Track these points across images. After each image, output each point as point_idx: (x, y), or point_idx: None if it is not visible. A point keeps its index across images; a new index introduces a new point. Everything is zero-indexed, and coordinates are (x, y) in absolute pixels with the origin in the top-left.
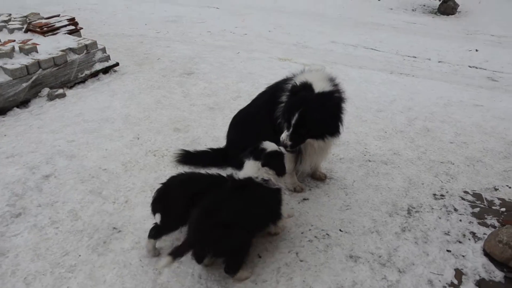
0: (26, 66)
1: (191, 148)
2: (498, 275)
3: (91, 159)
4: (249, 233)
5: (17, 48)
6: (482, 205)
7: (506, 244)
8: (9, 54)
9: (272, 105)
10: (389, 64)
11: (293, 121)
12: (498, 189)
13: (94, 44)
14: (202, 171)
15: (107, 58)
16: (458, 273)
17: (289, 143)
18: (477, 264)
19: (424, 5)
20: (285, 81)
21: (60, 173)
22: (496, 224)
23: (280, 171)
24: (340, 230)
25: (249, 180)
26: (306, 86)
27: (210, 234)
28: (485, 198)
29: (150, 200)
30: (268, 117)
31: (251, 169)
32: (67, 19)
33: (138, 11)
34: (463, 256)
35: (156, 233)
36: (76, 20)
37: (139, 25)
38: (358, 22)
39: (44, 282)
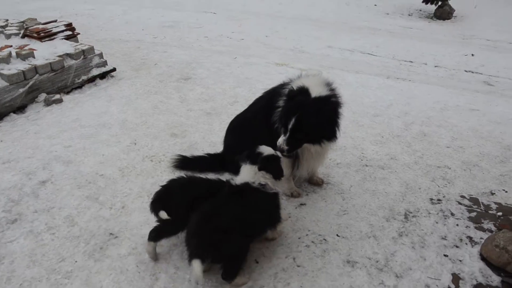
0: (23, 72)
1: (188, 153)
2: (495, 280)
3: (88, 164)
4: (248, 239)
5: (14, 54)
6: (478, 210)
7: (503, 248)
8: (6, 60)
9: (269, 110)
10: (386, 69)
11: (289, 126)
12: (494, 193)
13: (91, 49)
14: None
15: (104, 64)
16: (455, 278)
17: (285, 147)
18: (474, 268)
19: (420, 10)
20: (282, 86)
21: (57, 178)
22: (493, 228)
23: (277, 174)
24: (337, 235)
25: (246, 185)
26: (303, 91)
27: (208, 240)
28: (482, 203)
29: (147, 206)
30: (265, 122)
31: (248, 173)
32: (64, 25)
33: (135, 17)
34: (460, 260)
35: (156, 235)
36: (73, 25)
37: (136, 31)
38: (354, 27)
39: None
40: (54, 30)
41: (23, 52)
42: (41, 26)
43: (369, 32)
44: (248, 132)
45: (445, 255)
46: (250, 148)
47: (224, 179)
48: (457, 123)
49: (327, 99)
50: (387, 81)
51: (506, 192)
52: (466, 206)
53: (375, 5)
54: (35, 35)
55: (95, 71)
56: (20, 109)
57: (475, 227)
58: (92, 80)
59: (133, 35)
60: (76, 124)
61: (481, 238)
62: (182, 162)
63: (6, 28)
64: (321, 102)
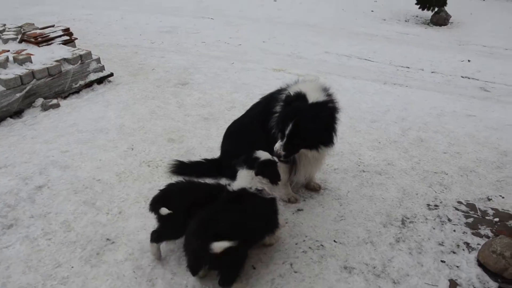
0: (20, 76)
1: (185, 158)
2: (492, 286)
3: (85, 169)
4: (246, 245)
5: (11, 58)
6: (475, 215)
7: (500, 254)
8: (3, 64)
9: (266, 115)
10: (383, 75)
11: (287, 131)
12: (491, 199)
13: (89, 54)
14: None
15: (102, 69)
16: (453, 284)
17: (283, 153)
18: (471, 274)
19: (416, 16)
20: (279, 91)
21: (54, 183)
22: (490, 234)
23: (274, 179)
24: (334, 241)
25: (243, 191)
26: (300, 96)
27: (206, 246)
28: (479, 208)
29: (144, 211)
30: (262, 127)
31: (245, 178)
32: (62, 30)
33: (133, 22)
34: (457, 266)
35: (157, 237)
36: (71, 30)
37: (134, 36)
38: (351, 32)
39: None
40: (52, 35)
41: (21, 57)
42: (38, 31)
43: (366, 38)
44: (245, 138)
45: (442, 261)
46: (247, 153)
47: (223, 183)
48: (454, 129)
49: (324, 104)
50: (384, 86)
51: (503, 198)
52: (463, 212)
53: (372, 11)
54: (33, 40)
55: (93, 76)
56: (17, 113)
57: (472, 233)
58: (89, 85)
59: (131, 40)
60: (73, 129)
61: (478, 244)
62: (179, 167)
63: (4, 33)
64: (318, 108)
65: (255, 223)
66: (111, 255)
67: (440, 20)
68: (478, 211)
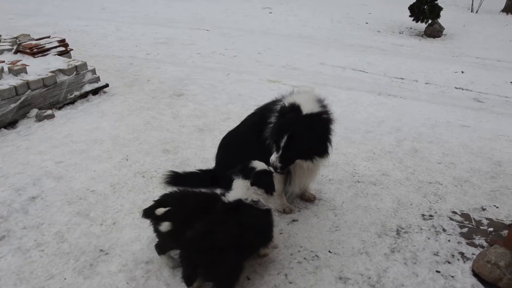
0: (15, 87)
1: (180, 169)
2: None
3: (79, 180)
4: (242, 257)
5: (6, 69)
6: (470, 225)
7: (494, 264)
8: None
9: (261, 126)
10: (377, 86)
11: (282, 143)
12: (485, 209)
13: (84, 65)
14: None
15: (97, 79)
16: None
17: (279, 165)
18: (466, 284)
19: (410, 28)
20: (274, 102)
21: (47, 194)
22: (484, 244)
23: (269, 189)
24: (329, 251)
25: (239, 202)
26: (295, 108)
27: (202, 258)
28: (473, 218)
29: (138, 222)
30: (257, 138)
31: (240, 189)
32: (58, 41)
33: (128, 33)
34: (452, 276)
35: (160, 250)
36: (67, 41)
37: (129, 47)
38: (346, 44)
39: None
40: (47, 46)
41: (16, 68)
42: (34, 42)
43: (361, 50)
44: (240, 148)
45: (437, 271)
46: (243, 162)
47: (219, 193)
48: (448, 139)
49: (319, 115)
50: (378, 97)
51: (497, 207)
52: (457, 222)
53: (367, 23)
54: (28, 50)
55: (88, 87)
56: (11, 124)
57: (467, 243)
58: (84, 95)
59: (126, 51)
60: (68, 139)
61: (473, 253)
62: (174, 178)
63: None
64: (312, 119)
65: (251, 235)
66: (104, 266)
67: (434, 32)
68: (473, 221)
